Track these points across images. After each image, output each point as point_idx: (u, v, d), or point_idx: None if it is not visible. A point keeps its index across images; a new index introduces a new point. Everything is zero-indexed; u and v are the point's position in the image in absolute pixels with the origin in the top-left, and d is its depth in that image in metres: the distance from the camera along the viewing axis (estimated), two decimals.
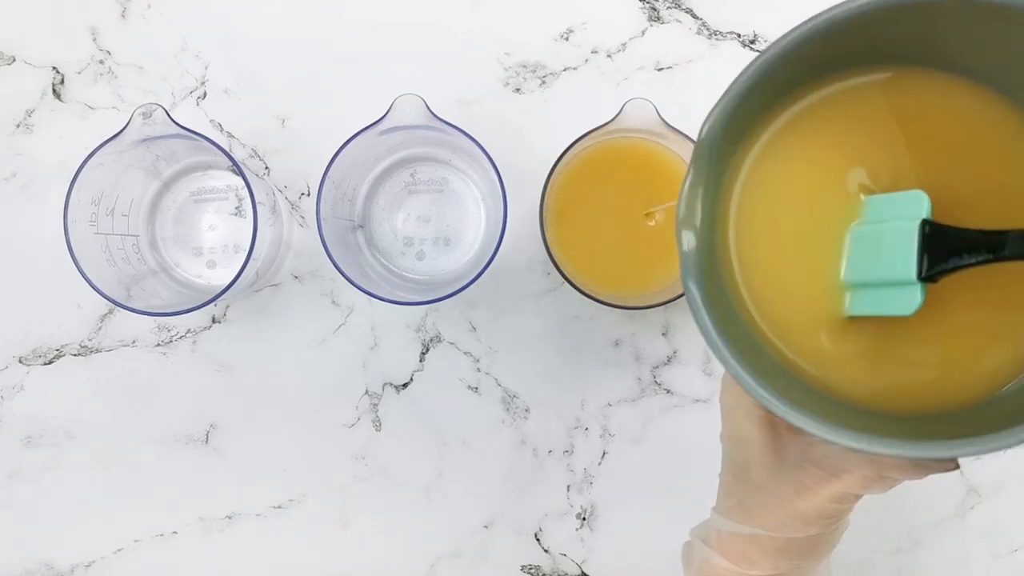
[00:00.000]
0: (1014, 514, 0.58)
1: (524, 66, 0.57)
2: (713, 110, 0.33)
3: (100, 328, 0.57)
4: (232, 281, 0.49)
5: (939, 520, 0.58)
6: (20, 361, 0.58)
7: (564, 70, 0.57)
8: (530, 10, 0.57)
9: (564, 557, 0.58)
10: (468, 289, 0.51)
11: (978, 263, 0.32)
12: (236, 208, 0.56)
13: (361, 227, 0.56)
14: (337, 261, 0.50)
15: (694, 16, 0.57)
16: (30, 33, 0.57)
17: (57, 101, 0.57)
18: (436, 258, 0.56)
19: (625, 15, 0.57)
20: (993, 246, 0.31)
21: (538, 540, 0.58)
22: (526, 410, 0.57)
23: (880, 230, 0.34)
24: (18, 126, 0.57)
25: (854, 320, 0.36)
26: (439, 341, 0.57)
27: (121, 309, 0.50)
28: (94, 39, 0.57)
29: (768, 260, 0.36)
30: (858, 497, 0.36)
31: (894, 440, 0.30)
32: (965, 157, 0.36)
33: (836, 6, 0.33)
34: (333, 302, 0.58)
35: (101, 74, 0.57)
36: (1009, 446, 0.29)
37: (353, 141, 0.50)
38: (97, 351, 0.57)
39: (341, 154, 0.50)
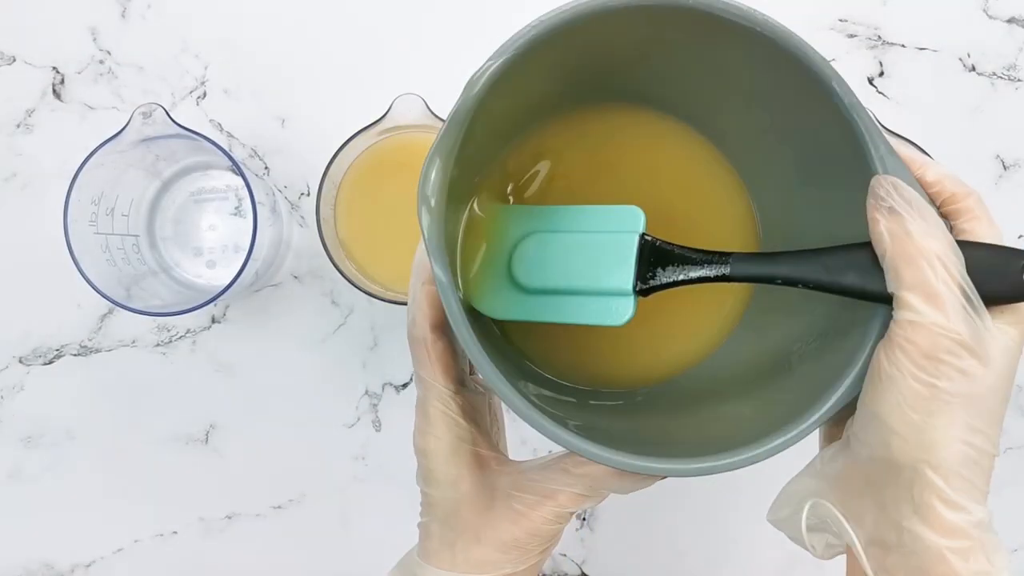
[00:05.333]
0: (1014, 514, 0.58)
1: None
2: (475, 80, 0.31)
3: (100, 328, 0.57)
4: (232, 281, 0.49)
5: None
6: (20, 361, 0.58)
7: None
8: (530, 10, 0.57)
9: (564, 557, 0.58)
10: None
11: (699, 282, 0.34)
12: (236, 208, 0.56)
13: None
14: (336, 261, 0.50)
15: None
16: (30, 33, 0.57)
17: (57, 101, 0.57)
18: None
19: None
20: (719, 269, 0.34)
21: None
22: None
23: (598, 240, 0.35)
24: (18, 126, 0.57)
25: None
26: None
27: (121, 309, 0.50)
28: (94, 39, 0.57)
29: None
30: (572, 514, 0.36)
31: (638, 457, 0.30)
32: (670, 182, 0.40)
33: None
34: (333, 302, 0.58)
35: (101, 74, 0.57)
36: (718, 471, 0.30)
37: (353, 141, 0.50)
38: (97, 351, 0.57)
39: (341, 154, 0.50)
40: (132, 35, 0.57)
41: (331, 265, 0.50)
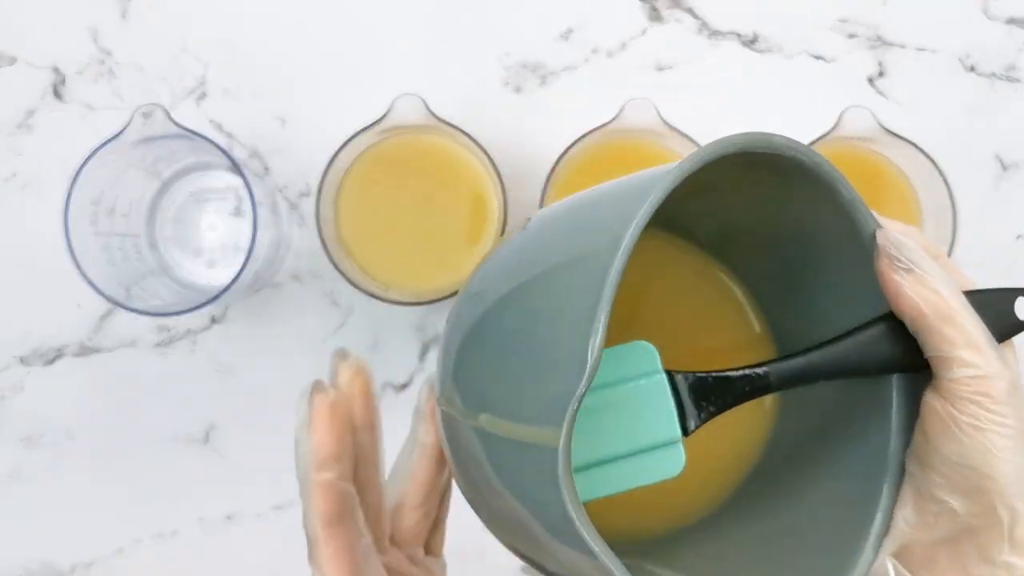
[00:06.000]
0: None
1: (524, 66, 0.57)
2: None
3: (100, 328, 0.57)
4: (232, 281, 0.49)
5: None
6: (20, 361, 0.58)
7: (564, 70, 0.57)
8: (530, 10, 0.57)
9: None
10: None
11: (743, 401, 0.32)
12: (236, 208, 0.56)
13: None
14: (336, 261, 0.50)
15: (694, 16, 0.57)
16: (30, 33, 0.57)
17: (57, 101, 0.57)
18: None
19: (625, 15, 0.57)
20: (761, 383, 0.32)
21: None
22: None
23: (623, 394, 0.31)
24: (18, 126, 0.57)
25: None
26: (439, 341, 0.57)
27: (121, 309, 0.50)
28: (94, 39, 0.57)
29: None
30: None
31: None
32: (669, 301, 0.37)
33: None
34: (333, 302, 0.58)
35: (101, 74, 0.57)
36: None
37: (353, 141, 0.50)
38: (97, 351, 0.57)
39: (341, 154, 0.50)
40: (132, 35, 0.57)
41: (331, 265, 0.50)
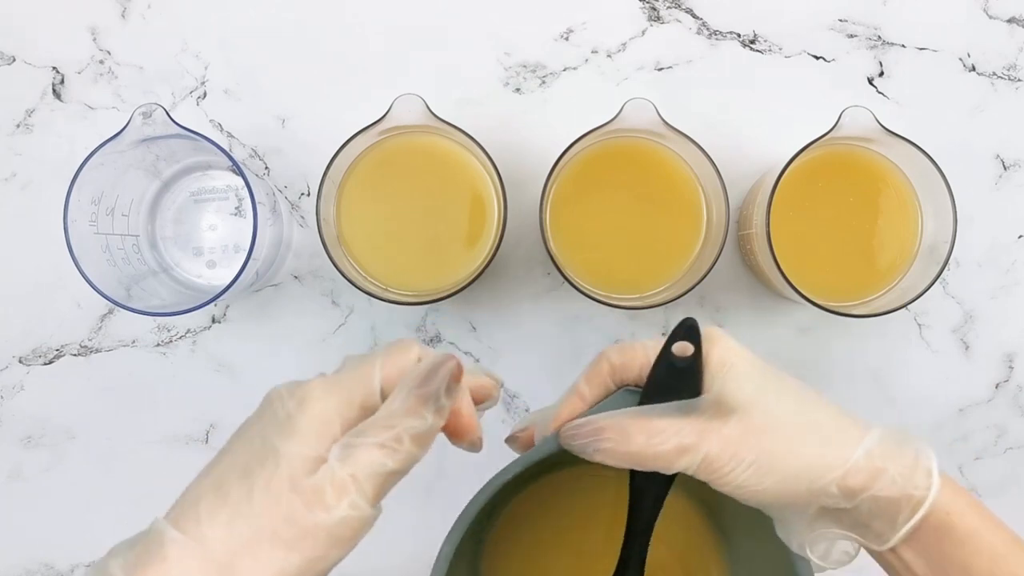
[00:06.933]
0: (1014, 514, 0.57)
1: (524, 66, 0.57)
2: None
3: (100, 328, 0.57)
4: (232, 281, 0.49)
5: None
6: (20, 361, 0.58)
7: (564, 70, 0.57)
8: (530, 10, 0.57)
9: None
10: (468, 289, 0.51)
11: None
12: (236, 208, 0.56)
13: None
14: (336, 261, 0.50)
15: (694, 16, 0.57)
16: (30, 33, 0.57)
17: (57, 101, 0.57)
18: None
19: (625, 15, 0.57)
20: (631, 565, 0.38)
21: None
22: (526, 410, 0.57)
23: None
24: (18, 126, 0.57)
25: None
26: (439, 341, 0.57)
27: (121, 309, 0.50)
28: (94, 39, 0.57)
29: None
30: None
31: None
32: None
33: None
34: (333, 302, 0.58)
35: (101, 74, 0.57)
36: None
37: (353, 141, 0.50)
38: (97, 351, 0.57)
39: (341, 154, 0.50)
40: (132, 35, 0.57)
41: (331, 265, 0.50)
